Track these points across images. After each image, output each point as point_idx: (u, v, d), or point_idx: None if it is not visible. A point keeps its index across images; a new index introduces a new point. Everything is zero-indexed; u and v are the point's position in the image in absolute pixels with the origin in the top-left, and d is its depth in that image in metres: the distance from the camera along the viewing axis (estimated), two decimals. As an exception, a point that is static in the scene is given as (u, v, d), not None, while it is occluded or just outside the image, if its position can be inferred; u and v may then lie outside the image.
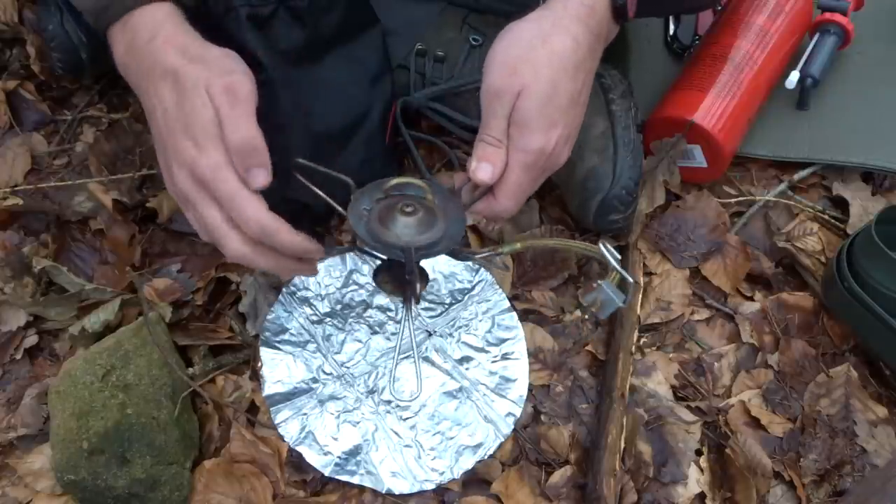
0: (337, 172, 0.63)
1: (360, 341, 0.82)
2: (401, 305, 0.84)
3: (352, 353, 0.81)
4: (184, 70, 0.59)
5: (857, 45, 1.00)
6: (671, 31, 1.04)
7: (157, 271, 0.85)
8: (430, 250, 0.62)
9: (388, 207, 0.62)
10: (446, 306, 0.84)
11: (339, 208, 0.64)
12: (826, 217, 0.94)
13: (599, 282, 0.65)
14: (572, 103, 0.65)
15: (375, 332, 0.83)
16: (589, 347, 0.84)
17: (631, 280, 0.67)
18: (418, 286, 0.64)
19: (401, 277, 0.63)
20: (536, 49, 0.63)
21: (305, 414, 0.77)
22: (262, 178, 0.59)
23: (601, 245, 0.66)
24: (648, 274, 0.89)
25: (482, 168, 0.64)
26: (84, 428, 0.70)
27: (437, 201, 0.64)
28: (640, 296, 0.86)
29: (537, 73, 0.62)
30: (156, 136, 0.63)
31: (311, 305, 0.83)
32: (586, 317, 0.66)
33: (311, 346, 0.81)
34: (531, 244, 0.70)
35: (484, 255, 0.68)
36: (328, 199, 0.64)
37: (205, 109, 0.58)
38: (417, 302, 0.67)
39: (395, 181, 0.63)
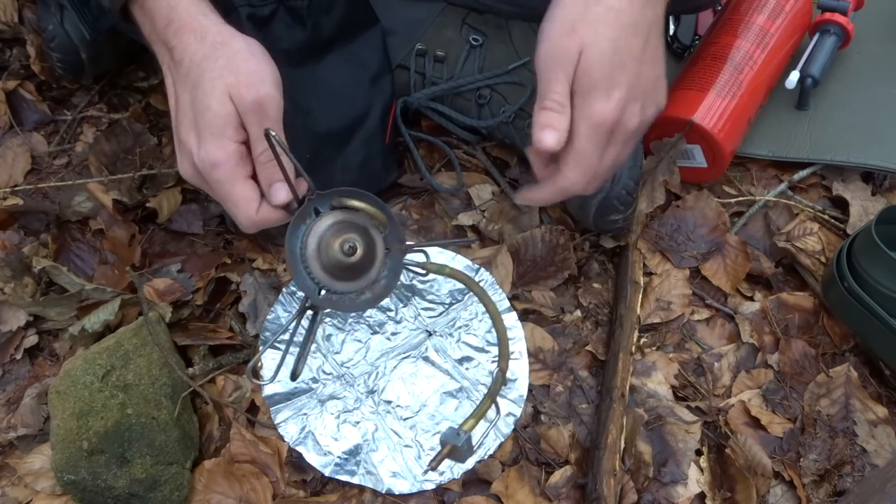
0: (302, 170, 0.58)
1: (360, 341, 0.82)
2: (401, 305, 0.84)
3: (352, 353, 0.81)
4: (203, 63, 0.58)
5: (857, 45, 1.00)
6: (671, 31, 1.04)
7: (157, 271, 0.85)
8: (338, 303, 0.59)
9: (335, 227, 0.58)
10: (446, 306, 0.84)
11: (292, 189, 0.60)
12: (826, 217, 0.94)
13: (460, 430, 0.60)
14: (636, 61, 0.60)
15: (375, 332, 0.83)
16: (589, 347, 0.84)
17: (497, 415, 0.63)
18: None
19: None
20: (592, 8, 0.59)
21: (305, 414, 0.77)
22: (282, 195, 0.60)
23: (496, 369, 0.63)
24: (648, 274, 0.89)
25: (547, 134, 0.59)
26: (84, 428, 0.70)
27: (386, 241, 0.60)
28: (640, 296, 0.86)
29: (596, 31, 0.59)
30: (171, 117, 0.63)
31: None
32: (432, 468, 0.63)
33: (311, 347, 0.81)
34: (455, 276, 0.64)
35: (412, 262, 0.64)
36: (300, 167, 0.59)
37: (219, 105, 0.58)
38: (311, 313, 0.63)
39: (355, 202, 0.59)
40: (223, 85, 0.58)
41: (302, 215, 0.58)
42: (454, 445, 0.59)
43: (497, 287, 0.85)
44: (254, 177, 0.61)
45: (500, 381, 0.63)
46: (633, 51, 0.60)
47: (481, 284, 0.85)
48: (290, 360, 0.63)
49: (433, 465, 0.59)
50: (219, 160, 0.58)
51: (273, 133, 0.56)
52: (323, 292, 0.59)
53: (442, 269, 0.64)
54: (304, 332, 0.64)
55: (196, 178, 0.61)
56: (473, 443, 0.61)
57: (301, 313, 0.61)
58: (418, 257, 0.66)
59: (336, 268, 0.58)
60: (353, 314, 0.83)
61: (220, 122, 0.58)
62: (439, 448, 0.60)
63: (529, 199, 0.66)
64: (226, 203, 0.60)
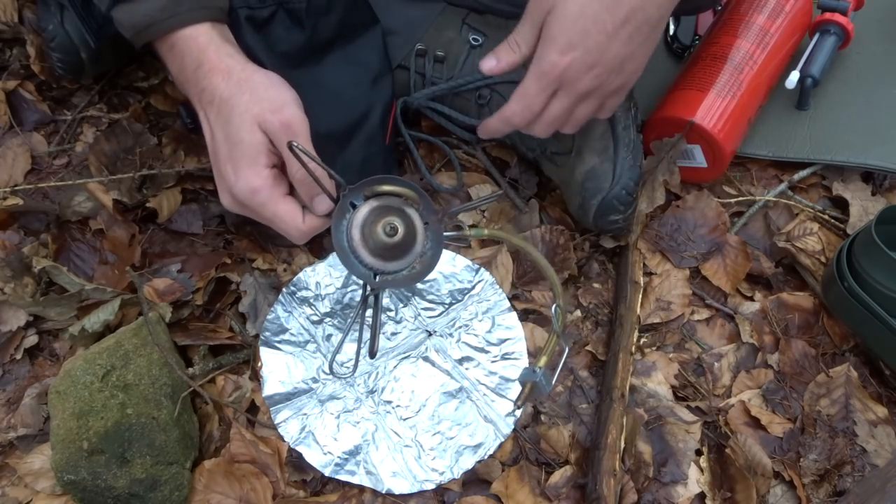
0: (331, 170, 0.63)
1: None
2: (401, 305, 0.84)
3: (352, 354, 0.81)
4: (231, 100, 0.63)
5: (857, 45, 1.00)
6: (671, 31, 1.04)
7: (157, 271, 0.85)
8: (394, 282, 0.63)
9: (374, 214, 0.62)
10: (446, 306, 0.84)
11: (328, 193, 0.64)
12: (826, 217, 0.94)
13: (536, 368, 0.65)
14: (604, 34, 0.66)
15: (375, 332, 0.83)
16: (589, 347, 0.84)
17: (567, 348, 0.70)
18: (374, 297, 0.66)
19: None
20: None
21: (305, 414, 0.77)
22: (325, 205, 0.64)
23: (554, 307, 0.67)
24: (648, 274, 0.89)
25: (487, 58, 0.70)
26: (84, 428, 0.71)
27: (422, 220, 0.64)
28: (640, 296, 0.86)
29: None
30: (209, 153, 0.67)
31: (311, 305, 0.83)
32: (518, 406, 0.67)
33: (311, 346, 0.81)
34: (498, 235, 0.71)
35: (452, 235, 0.67)
36: (329, 169, 0.63)
37: (250, 136, 0.62)
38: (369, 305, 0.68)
39: (385, 187, 0.63)
40: (251, 117, 0.62)
41: (341, 211, 0.62)
42: (534, 382, 0.65)
43: (497, 287, 0.85)
44: (291, 192, 0.66)
45: (562, 316, 0.67)
46: (603, 24, 0.65)
47: (481, 285, 0.85)
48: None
49: (519, 404, 0.65)
50: (256, 186, 0.62)
51: (296, 143, 0.60)
52: (378, 278, 0.63)
53: (480, 234, 0.68)
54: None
55: (237, 207, 0.65)
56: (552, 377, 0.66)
57: (364, 301, 0.66)
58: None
59: (383, 250, 0.62)
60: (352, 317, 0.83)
61: (252, 151, 0.62)
62: (520, 389, 0.66)
63: (483, 127, 0.76)
64: (273, 222, 0.64)
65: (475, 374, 0.81)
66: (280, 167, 0.65)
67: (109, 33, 0.86)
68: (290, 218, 0.64)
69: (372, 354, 0.66)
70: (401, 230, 0.61)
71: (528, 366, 0.67)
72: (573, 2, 0.65)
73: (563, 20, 0.65)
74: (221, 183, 0.65)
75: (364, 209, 0.62)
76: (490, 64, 0.70)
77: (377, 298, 0.66)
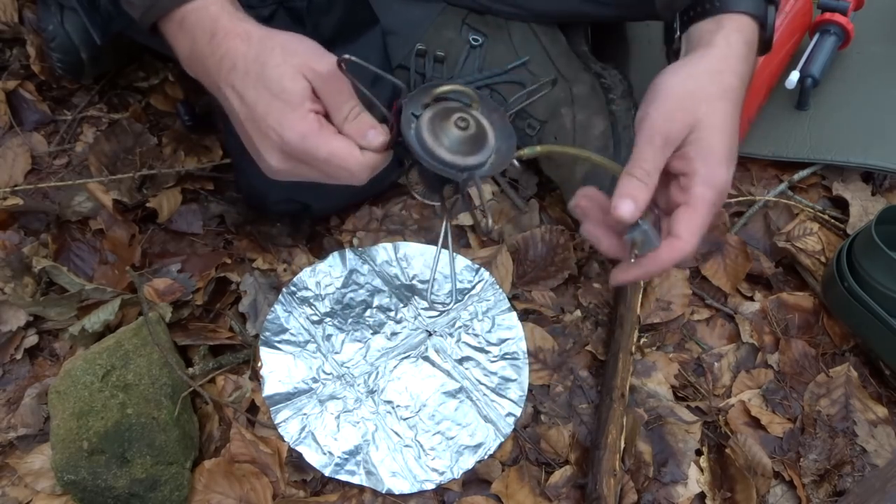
0: (388, 75, 0.61)
1: (359, 341, 0.82)
2: (401, 305, 0.84)
3: (352, 353, 0.81)
4: (261, 57, 0.60)
5: (857, 45, 1.00)
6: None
7: (157, 271, 0.85)
8: (481, 170, 0.60)
9: (438, 116, 0.60)
10: (446, 306, 0.84)
11: (384, 109, 0.62)
12: (826, 217, 0.94)
13: (640, 221, 0.59)
14: (737, 139, 0.64)
15: (375, 332, 0.83)
16: (589, 347, 0.84)
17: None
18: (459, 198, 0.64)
19: (434, 180, 0.63)
20: (712, 85, 0.63)
21: (305, 414, 0.77)
22: (380, 138, 0.61)
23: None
24: (648, 274, 0.89)
25: (625, 204, 0.58)
26: (84, 428, 0.70)
27: (484, 115, 0.62)
28: (640, 296, 0.86)
29: (714, 107, 0.62)
30: (238, 128, 0.63)
31: (311, 305, 0.83)
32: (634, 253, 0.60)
33: (311, 346, 0.81)
34: (552, 150, 0.65)
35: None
36: (373, 97, 0.62)
37: (292, 84, 0.59)
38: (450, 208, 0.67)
39: (444, 87, 0.61)
40: (291, 67, 0.59)
41: (406, 122, 0.60)
42: (643, 237, 0.59)
43: (497, 287, 0.85)
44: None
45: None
46: (737, 125, 0.64)
47: (481, 285, 0.85)
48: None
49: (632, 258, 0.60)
50: (305, 130, 0.59)
51: (348, 56, 0.58)
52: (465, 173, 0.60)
53: (533, 151, 0.63)
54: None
55: (288, 164, 0.61)
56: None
57: (445, 207, 0.64)
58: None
59: (460, 145, 0.59)
60: (352, 317, 0.83)
61: (297, 99, 0.59)
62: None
63: (627, 279, 0.64)
64: (330, 163, 0.60)
65: (475, 373, 0.81)
66: (325, 115, 0.62)
67: (117, 29, 0.86)
68: (347, 152, 0.60)
69: (486, 232, 0.65)
70: (472, 121, 0.59)
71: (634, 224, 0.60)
72: (723, 113, 0.62)
73: (721, 132, 0.62)
74: (265, 142, 0.61)
75: (428, 114, 0.60)
76: (629, 209, 0.58)
77: (464, 190, 0.62)
